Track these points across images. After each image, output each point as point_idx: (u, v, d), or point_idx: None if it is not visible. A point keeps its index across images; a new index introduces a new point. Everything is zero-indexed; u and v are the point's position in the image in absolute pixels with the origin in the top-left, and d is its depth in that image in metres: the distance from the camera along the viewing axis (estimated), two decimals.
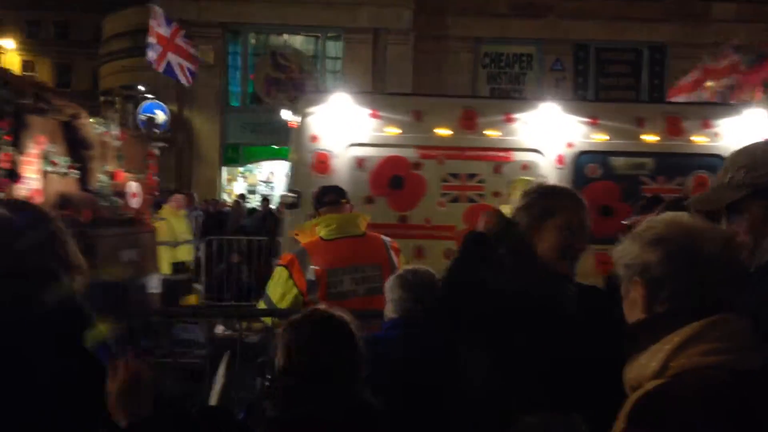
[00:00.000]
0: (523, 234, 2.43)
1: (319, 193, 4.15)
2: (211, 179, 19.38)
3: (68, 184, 6.18)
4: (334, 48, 20.09)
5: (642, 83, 20.73)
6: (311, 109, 6.37)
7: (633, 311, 1.55)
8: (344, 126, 6.34)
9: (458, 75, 19.66)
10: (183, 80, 13.33)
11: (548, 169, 6.44)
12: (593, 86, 20.74)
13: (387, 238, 4.02)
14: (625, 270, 1.56)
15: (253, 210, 16.03)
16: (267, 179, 20.76)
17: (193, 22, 17.95)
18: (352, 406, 2.15)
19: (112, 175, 6.95)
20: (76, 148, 6.23)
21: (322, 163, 6.28)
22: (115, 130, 7.02)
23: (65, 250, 2.13)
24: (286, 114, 8.97)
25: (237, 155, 20.16)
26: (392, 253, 3.93)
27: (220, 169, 19.83)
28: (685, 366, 1.39)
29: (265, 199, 16.14)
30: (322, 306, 2.45)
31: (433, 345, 2.72)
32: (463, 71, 20.01)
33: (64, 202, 5.83)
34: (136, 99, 21.91)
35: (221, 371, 4.19)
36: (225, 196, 19.08)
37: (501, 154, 6.47)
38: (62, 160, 6.09)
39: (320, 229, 3.87)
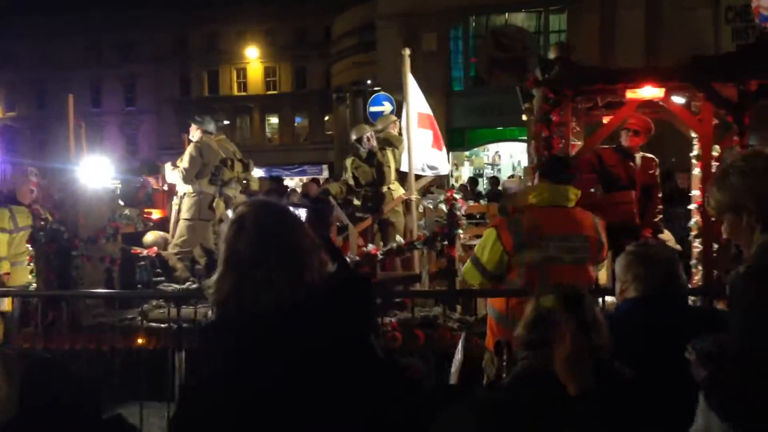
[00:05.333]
0: None
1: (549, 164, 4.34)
2: None
3: None
4: (557, 21, 19.37)
5: None
6: None
7: None
8: None
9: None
10: None
11: None
12: None
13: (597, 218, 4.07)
14: None
15: (479, 194, 15.97)
16: (492, 161, 20.92)
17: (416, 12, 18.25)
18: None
19: None
20: None
21: None
22: None
23: None
24: None
25: (462, 140, 20.26)
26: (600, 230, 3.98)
27: (447, 155, 20.03)
28: None
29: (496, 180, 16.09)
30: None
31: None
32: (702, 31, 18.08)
33: None
34: (365, 94, 22.85)
35: (460, 346, 4.13)
36: (453, 182, 19.28)
37: None
38: None
39: (533, 197, 3.99)
